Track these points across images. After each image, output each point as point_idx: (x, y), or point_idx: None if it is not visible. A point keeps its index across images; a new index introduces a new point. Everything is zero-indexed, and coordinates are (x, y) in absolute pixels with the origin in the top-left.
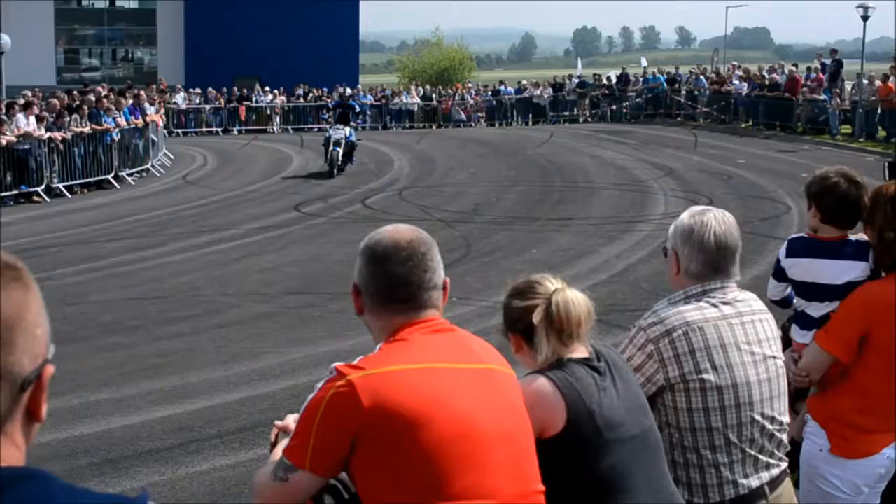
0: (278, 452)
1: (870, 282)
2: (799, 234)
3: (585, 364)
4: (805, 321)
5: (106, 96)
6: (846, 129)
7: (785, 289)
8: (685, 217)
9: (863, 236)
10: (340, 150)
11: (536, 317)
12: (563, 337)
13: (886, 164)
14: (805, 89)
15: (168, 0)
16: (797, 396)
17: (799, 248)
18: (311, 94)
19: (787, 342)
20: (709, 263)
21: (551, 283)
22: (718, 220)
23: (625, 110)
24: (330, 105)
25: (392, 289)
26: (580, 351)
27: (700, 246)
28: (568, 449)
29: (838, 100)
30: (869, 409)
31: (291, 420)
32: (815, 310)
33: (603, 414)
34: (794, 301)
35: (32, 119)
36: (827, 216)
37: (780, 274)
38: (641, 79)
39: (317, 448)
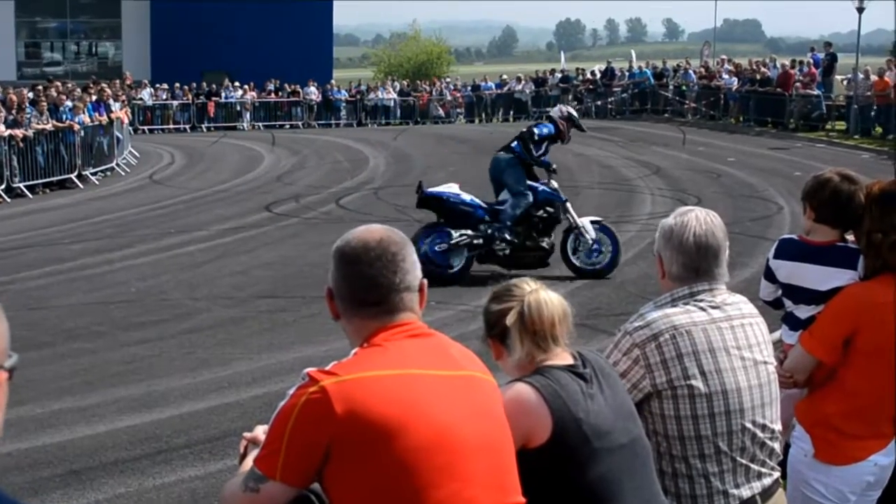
0: (248, 464)
1: (856, 283)
2: (790, 235)
3: (570, 371)
4: (793, 322)
5: (69, 92)
6: (840, 125)
7: (776, 290)
8: (668, 218)
9: (854, 243)
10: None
11: (510, 319)
12: (538, 339)
13: None
14: (798, 84)
15: None
16: None
17: (786, 250)
18: (282, 90)
19: None
20: (689, 265)
21: (528, 286)
22: (700, 220)
23: (610, 106)
24: (540, 132)
25: (361, 291)
26: (563, 357)
27: (679, 247)
28: (554, 459)
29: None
30: (854, 413)
31: (261, 431)
32: (803, 311)
33: (590, 422)
34: (784, 302)
35: None
36: (819, 214)
37: (769, 274)
38: (627, 73)
39: (288, 457)
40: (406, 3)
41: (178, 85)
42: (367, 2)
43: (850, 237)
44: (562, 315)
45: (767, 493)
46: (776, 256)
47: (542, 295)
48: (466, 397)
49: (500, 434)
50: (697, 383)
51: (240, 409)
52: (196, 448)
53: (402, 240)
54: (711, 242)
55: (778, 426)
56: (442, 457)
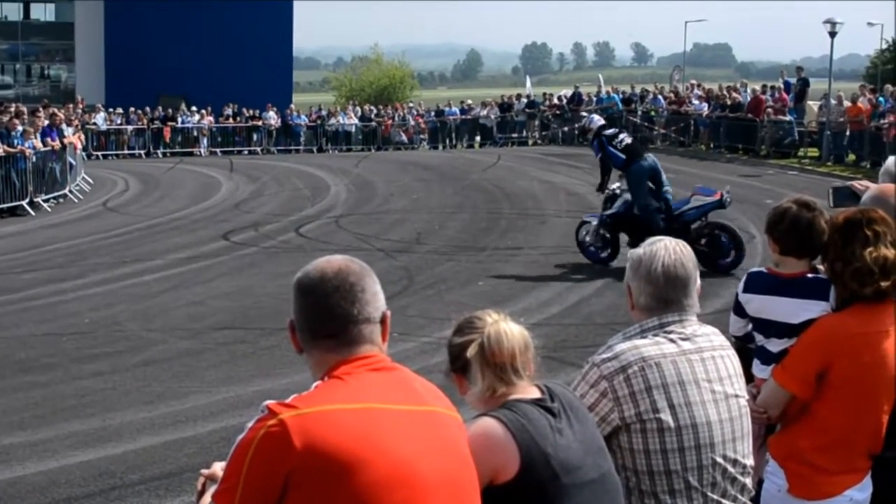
0: (206, 500)
1: (828, 315)
2: (758, 268)
3: (538, 405)
4: (764, 356)
5: (19, 115)
6: (813, 152)
7: (746, 324)
8: (637, 248)
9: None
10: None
11: (471, 351)
12: (499, 371)
13: (831, 190)
14: (769, 110)
15: (87, 11)
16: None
17: (755, 284)
18: (240, 115)
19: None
20: (657, 296)
21: (490, 318)
22: (668, 250)
23: (577, 132)
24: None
25: (319, 322)
26: (530, 391)
27: (647, 277)
28: (523, 495)
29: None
30: (828, 447)
31: (218, 468)
32: (774, 345)
33: (559, 457)
34: (755, 336)
35: None
36: (783, 246)
37: (739, 309)
38: (595, 98)
39: (246, 491)
40: (368, 26)
41: (133, 109)
42: (328, 21)
43: (821, 267)
44: (523, 346)
45: None
46: (745, 290)
47: (503, 326)
48: (428, 433)
49: (463, 471)
50: (666, 417)
51: (197, 444)
52: (152, 484)
53: (361, 270)
54: (680, 273)
55: (750, 461)
56: (401, 493)
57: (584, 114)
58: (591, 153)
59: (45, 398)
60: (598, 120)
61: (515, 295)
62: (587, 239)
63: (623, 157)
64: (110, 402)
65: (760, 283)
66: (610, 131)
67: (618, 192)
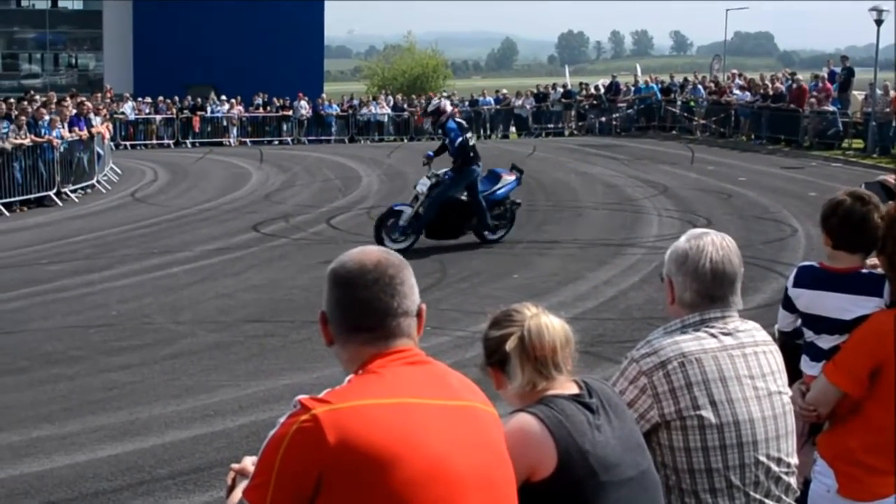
0: (236, 496)
1: (882, 311)
2: (810, 262)
3: (576, 400)
4: (814, 352)
5: (46, 105)
6: (858, 143)
7: (795, 319)
8: (681, 241)
9: (879, 269)
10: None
11: (510, 344)
12: (539, 366)
13: (863, 186)
14: (812, 100)
15: (115, 1)
16: (812, 432)
17: (806, 278)
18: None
19: (792, 375)
20: (703, 293)
21: (529, 311)
22: (716, 245)
23: (615, 122)
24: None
25: (357, 315)
26: (568, 386)
27: (694, 274)
28: (559, 492)
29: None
30: (879, 447)
31: (249, 462)
32: (825, 342)
33: (597, 454)
34: (804, 331)
35: None
36: (835, 239)
37: (788, 304)
38: (633, 88)
39: (278, 488)
40: (401, 13)
41: (161, 98)
42: (360, 8)
43: (870, 261)
44: (564, 340)
45: None
46: (795, 285)
47: (544, 319)
48: (464, 429)
49: (500, 468)
50: (708, 414)
51: (226, 438)
52: (180, 479)
53: (400, 262)
54: (728, 269)
55: (794, 460)
56: (437, 490)
57: (434, 97)
58: (630, 145)
59: (72, 391)
60: (449, 104)
61: (551, 289)
62: (398, 226)
63: (472, 154)
64: (138, 396)
65: (811, 278)
66: (462, 121)
67: (432, 180)
